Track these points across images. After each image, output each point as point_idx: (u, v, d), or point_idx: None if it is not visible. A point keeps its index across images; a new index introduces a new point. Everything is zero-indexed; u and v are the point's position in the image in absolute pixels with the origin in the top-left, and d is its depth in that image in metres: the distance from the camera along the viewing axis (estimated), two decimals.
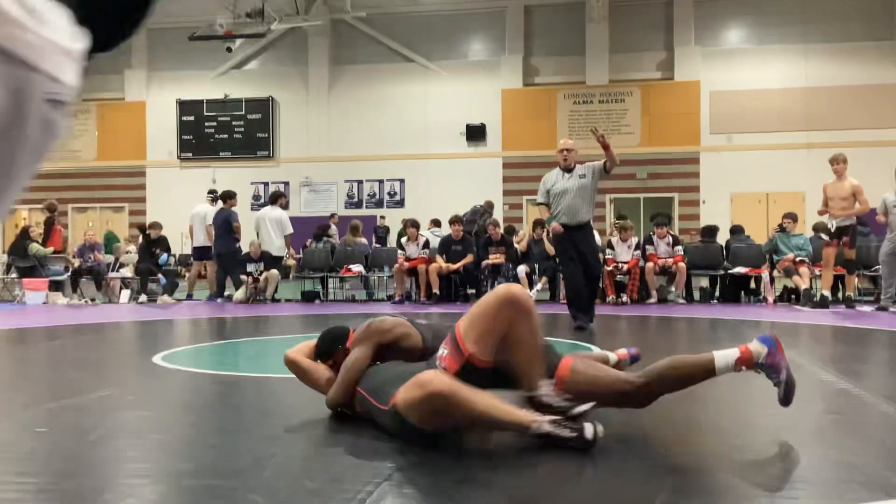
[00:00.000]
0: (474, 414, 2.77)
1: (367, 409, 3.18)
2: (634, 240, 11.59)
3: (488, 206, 14.57)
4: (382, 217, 20.49)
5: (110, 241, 17.68)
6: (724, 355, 3.06)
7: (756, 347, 3.03)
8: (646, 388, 3.12)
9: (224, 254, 12.25)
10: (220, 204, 12.67)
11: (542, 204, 8.05)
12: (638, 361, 4.06)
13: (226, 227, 12.28)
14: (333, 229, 16.64)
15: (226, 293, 12.43)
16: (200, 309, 11.10)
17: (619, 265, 11.30)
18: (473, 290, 11.76)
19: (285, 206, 13.45)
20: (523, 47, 22.00)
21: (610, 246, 11.62)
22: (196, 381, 4.87)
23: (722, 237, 13.29)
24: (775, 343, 3.04)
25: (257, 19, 19.83)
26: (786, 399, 3.08)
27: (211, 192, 13.44)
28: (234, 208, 12.47)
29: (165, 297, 12.52)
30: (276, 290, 12.31)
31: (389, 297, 12.49)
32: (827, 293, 10.28)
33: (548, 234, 12.33)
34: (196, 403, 4.12)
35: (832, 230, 10.35)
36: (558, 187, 7.84)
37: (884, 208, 10.05)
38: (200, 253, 12.97)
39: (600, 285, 11.36)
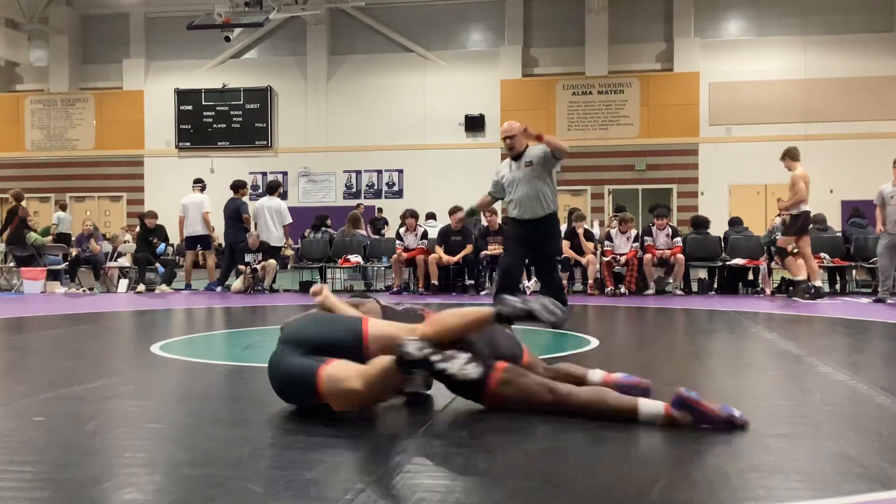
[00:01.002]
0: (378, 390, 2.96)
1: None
2: (634, 232, 11.59)
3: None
4: (380, 210, 20.47)
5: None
6: (649, 407, 3.08)
7: (678, 414, 3.03)
8: (564, 408, 3.18)
9: (234, 243, 12.31)
10: (207, 191, 12.79)
11: (489, 194, 7.41)
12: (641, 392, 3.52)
13: (236, 216, 12.36)
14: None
15: (225, 282, 12.44)
16: (198, 298, 11.10)
17: (617, 256, 11.30)
18: (472, 281, 11.75)
19: (283, 196, 13.48)
20: (522, 38, 21.94)
21: (609, 238, 11.62)
22: (193, 371, 4.87)
23: (720, 228, 13.30)
24: (688, 404, 3.00)
25: (256, 8, 19.75)
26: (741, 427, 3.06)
27: (197, 180, 13.33)
28: (245, 198, 12.54)
29: (163, 287, 12.52)
30: (274, 280, 12.31)
31: (388, 288, 12.49)
32: (817, 283, 10.33)
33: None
34: (193, 393, 4.12)
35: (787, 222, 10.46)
36: (507, 178, 7.13)
37: (881, 200, 10.03)
38: (192, 242, 12.95)
39: (598, 276, 11.41)
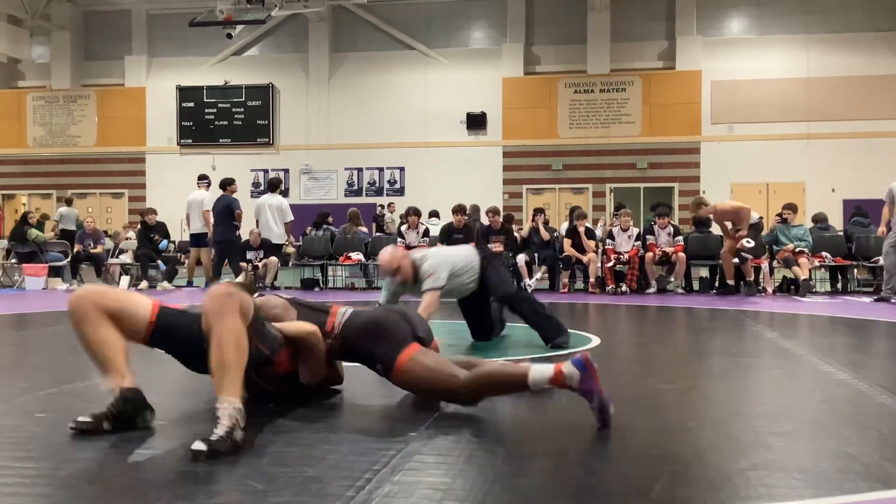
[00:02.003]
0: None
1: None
2: (635, 230, 11.56)
3: (474, 213, 14.33)
4: (381, 206, 20.48)
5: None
6: (540, 370, 3.05)
7: (568, 370, 2.97)
8: (469, 391, 3.21)
9: (224, 241, 12.17)
10: (212, 189, 12.68)
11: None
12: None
13: (226, 213, 12.18)
14: (389, 217, 16.85)
15: (223, 280, 12.41)
16: (200, 296, 11.09)
17: (621, 255, 11.27)
18: None
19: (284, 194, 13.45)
20: (524, 35, 21.92)
21: (610, 236, 11.60)
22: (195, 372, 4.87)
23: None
24: (588, 368, 2.95)
25: (258, 5, 19.73)
26: (602, 424, 2.99)
27: (202, 177, 13.29)
28: (234, 195, 12.41)
29: (165, 284, 12.52)
30: (275, 278, 12.31)
31: None
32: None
33: (546, 224, 12.34)
34: (195, 389, 4.12)
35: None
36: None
37: (890, 197, 9.87)
38: (197, 240, 12.93)
39: (599, 275, 11.40)
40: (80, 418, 2.95)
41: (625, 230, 11.47)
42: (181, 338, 3.22)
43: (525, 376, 3.05)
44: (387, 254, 5.46)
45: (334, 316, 3.57)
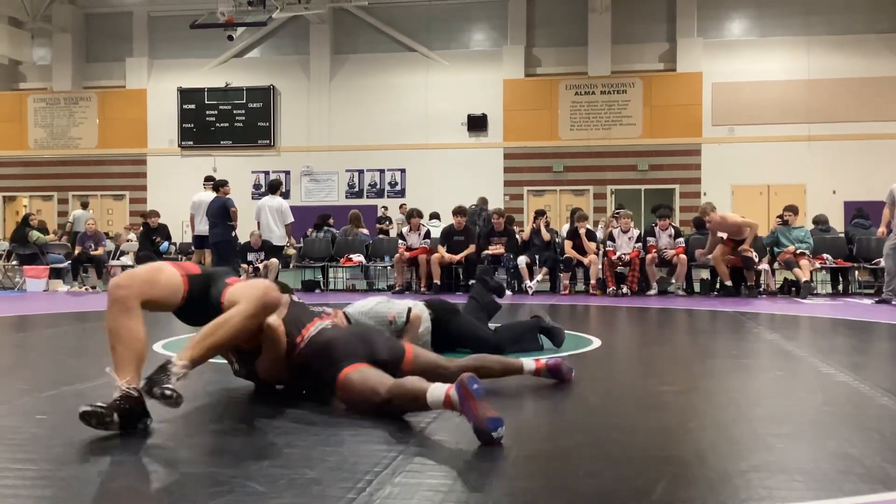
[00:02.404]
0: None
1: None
2: (636, 232, 11.55)
3: (482, 203, 14.38)
4: (385, 208, 20.52)
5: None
6: (434, 391, 3.01)
7: (453, 393, 2.93)
8: (388, 405, 3.23)
9: (221, 242, 12.15)
10: (213, 189, 12.65)
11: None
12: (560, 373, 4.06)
13: (222, 214, 12.14)
14: (400, 218, 16.91)
15: None
16: None
17: (622, 256, 11.26)
18: (475, 281, 11.70)
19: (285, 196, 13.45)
20: (525, 37, 21.94)
21: (611, 238, 11.60)
22: (196, 370, 4.86)
23: None
24: (462, 391, 2.86)
25: (259, 7, 19.75)
26: (480, 440, 2.87)
27: (209, 178, 13.33)
28: (228, 196, 12.41)
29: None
30: (276, 279, 12.31)
31: (390, 287, 12.50)
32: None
33: (547, 225, 12.34)
34: (195, 391, 4.12)
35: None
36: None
37: (891, 198, 9.87)
38: (201, 241, 12.92)
39: (600, 276, 11.40)
40: (94, 404, 2.94)
41: (625, 231, 11.46)
42: (201, 312, 3.37)
43: (424, 395, 3.04)
44: None
45: (310, 327, 3.63)
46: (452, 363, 3.86)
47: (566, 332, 6.35)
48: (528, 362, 4.06)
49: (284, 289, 3.91)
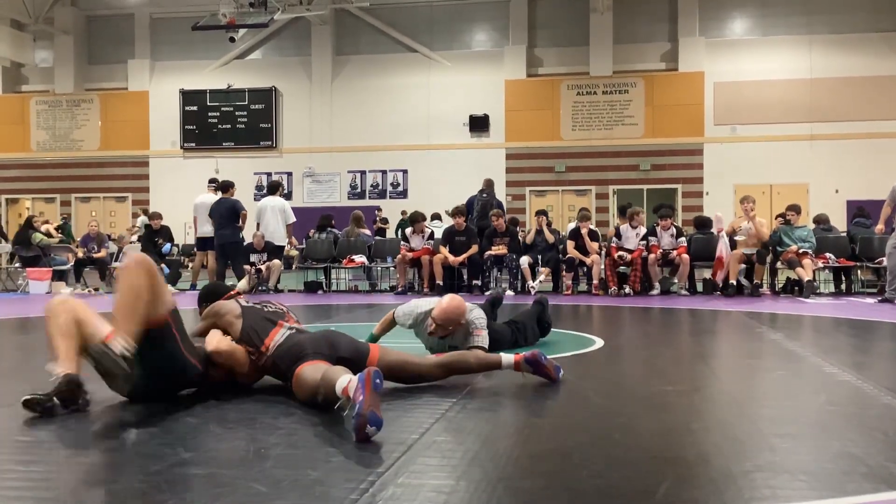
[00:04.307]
0: None
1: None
2: (643, 229, 11.53)
3: (488, 186, 14.03)
4: (378, 209, 20.50)
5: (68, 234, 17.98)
6: (342, 380, 3.09)
7: (352, 384, 2.98)
8: (319, 396, 3.33)
9: (229, 244, 12.15)
10: (215, 191, 12.68)
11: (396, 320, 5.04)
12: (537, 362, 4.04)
13: (231, 216, 12.15)
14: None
15: (227, 283, 12.40)
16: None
17: (624, 255, 11.21)
18: (479, 282, 11.72)
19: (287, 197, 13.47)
20: (527, 38, 21.94)
21: (617, 234, 11.57)
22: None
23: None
24: (365, 380, 2.90)
25: (260, 9, 19.78)
26: (357, 437, 2.87)
27: (212, 181, 13.35)
28: (233, 197, 12.44)
29: (169, 287, 12.51)
30: (278, 281, 12.31)
31: (392, 288, 12.49)
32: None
33: (549, 225, 12.32)
34: (198, 392, 4.12)
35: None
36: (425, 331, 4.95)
37: (892, 196, 9.83)
38: (204, 243, 12.92)
39: (602, 276, 11.39)
40: (33, 394, 3.30)
41: (634, 228, 11.44)
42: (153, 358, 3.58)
43: (335, 383, 3.13)
44: (457, 306, 4.63)
45: (273, 335, 3.78)
46: (426, 360, 3.95)
47: (568, 332, 6.35)
48: (507, 357, 4.06)
49: (225, 289, 4.22)
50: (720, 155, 20.90)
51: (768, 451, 2.80)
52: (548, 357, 4.10)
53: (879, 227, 10.17)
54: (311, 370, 3.42)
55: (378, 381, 2.93)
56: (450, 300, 4.61)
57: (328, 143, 22.67)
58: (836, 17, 20.69)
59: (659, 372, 4.80)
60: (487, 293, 10.48)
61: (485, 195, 13.44)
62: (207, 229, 12.68)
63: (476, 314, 4.76)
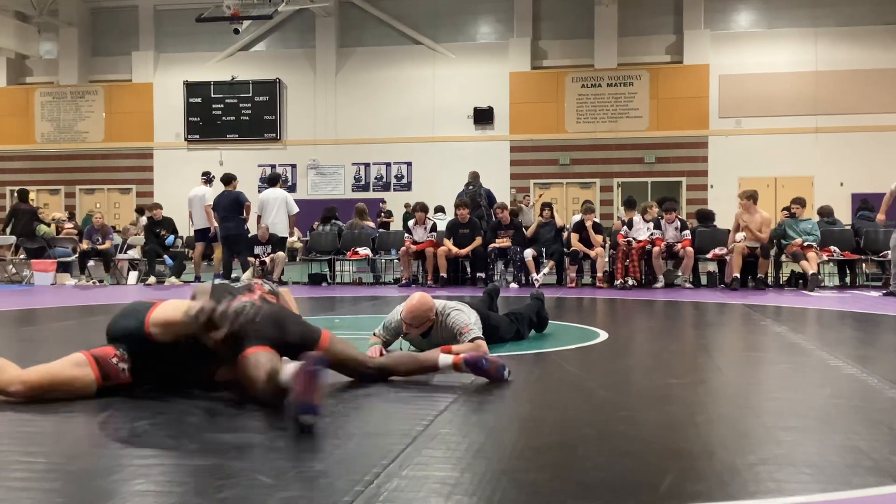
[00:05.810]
0: None
1: None
2: (652, 224, 11.52)
3: (474, 179, 13.98)
4: (383, 201, 20.49)
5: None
6: (284, 372, 3.06)
7: (285, 378, 3.01)
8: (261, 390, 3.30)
9: (234, 236, 12.26)
10: (214, 185, 12.76)
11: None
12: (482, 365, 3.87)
13: (235, 208, 12.27)
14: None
15: (233, 275, 12.45)
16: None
17: (631, 241, 11.18)
18: (483, 274, 11.72)
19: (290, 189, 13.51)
20: (532, 30, 21.88)
21: (629, 224, 11.56)
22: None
23: (730, 221, 13.22)
24: (309, 365, 2.94)
25: (264, 0, 19.76)
26: (290, 412, 2.93)
27: (205, 173, 13.42)
28: (237, 190, 12.52)
29: (173, 279, 12.54)
30: (282, 273, 12.33)
31: (396, 280, 12.50)
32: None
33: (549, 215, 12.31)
34: (203, 385, 4.13)
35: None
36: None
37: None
38: (202, 234, 13.00)
39: (607, 269, 11.38)
40: None
41: (647, 222, 11.45)
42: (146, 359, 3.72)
43: (279, 373, 3.12)
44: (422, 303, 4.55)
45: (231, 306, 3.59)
46: (372, 361, 3.96)
47: (573, 325, 6.36)
48: (445, 358, 3.90)
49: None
50: (725, 148, 20.84)
51: (773, 445, 2.80)
52: (490, 359, 3.90)
53: (881, 216, 10.17)
54: (253, 365, 3.34)
55: (318, 367, 2.92)
56: (416, 298, 4.53)
57: (332, 135, 22.65)
58: (842, 10, 20.59)
59: (663, 365, 4.80)
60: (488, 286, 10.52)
61: (471, 187, 13.48)
62: (201, 222, 12.81)
63: (451, 305, 4.66)
